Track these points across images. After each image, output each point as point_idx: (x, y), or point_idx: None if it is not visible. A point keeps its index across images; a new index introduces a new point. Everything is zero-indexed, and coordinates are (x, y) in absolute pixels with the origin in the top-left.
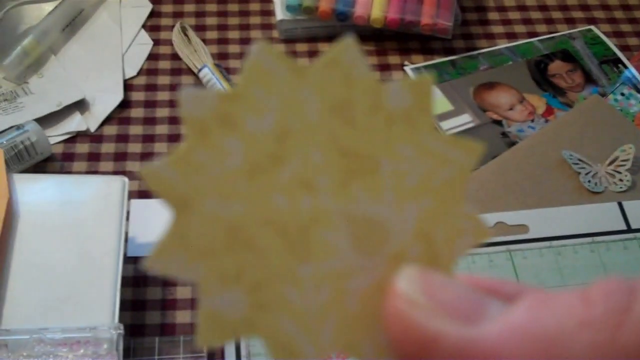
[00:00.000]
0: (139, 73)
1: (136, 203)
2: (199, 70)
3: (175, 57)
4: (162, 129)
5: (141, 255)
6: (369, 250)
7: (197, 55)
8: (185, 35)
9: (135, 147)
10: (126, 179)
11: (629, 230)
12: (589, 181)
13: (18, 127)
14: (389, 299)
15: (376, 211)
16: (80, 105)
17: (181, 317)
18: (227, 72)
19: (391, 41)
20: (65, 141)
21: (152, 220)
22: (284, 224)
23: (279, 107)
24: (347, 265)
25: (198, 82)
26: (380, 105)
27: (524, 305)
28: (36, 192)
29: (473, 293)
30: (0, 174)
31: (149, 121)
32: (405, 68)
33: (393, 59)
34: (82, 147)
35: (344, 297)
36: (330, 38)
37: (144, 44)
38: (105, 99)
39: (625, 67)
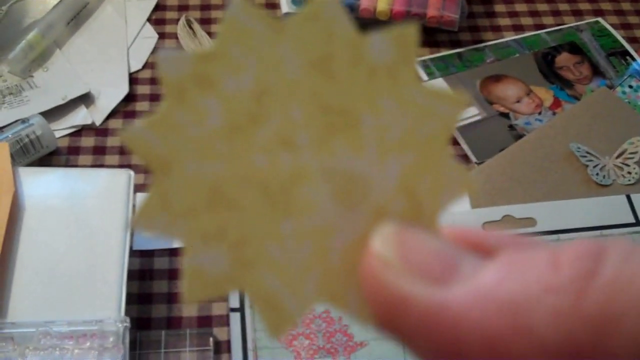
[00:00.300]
0: (144, 66)
1: (142, 196)
2: None
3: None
4: None
5: (147, 248)
6: (351, 206)
7: (202, 48)
8: (191, 28)
9: None
10: (132, 172)
11: (637, 223)
12: (597, 174)
13: (23, 120)
14: (364, 257)
15: (358, 166)
16: (85, 99)
17: (188, 310)
18: None
19: None
20: (70, 135)
21: None
22: (265, 181)
23: (257, 65)
24: (329, 221)
25: None
26: (361, 58)
27: (494, 266)
28: (42, 186)
29: (449, 250)
30: (6, 168)
31: None
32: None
33: None
34: (88, 141)
35: (326, 252)
36: None
37: (149, 37)
38: (111, 93)
39: (633, 59)
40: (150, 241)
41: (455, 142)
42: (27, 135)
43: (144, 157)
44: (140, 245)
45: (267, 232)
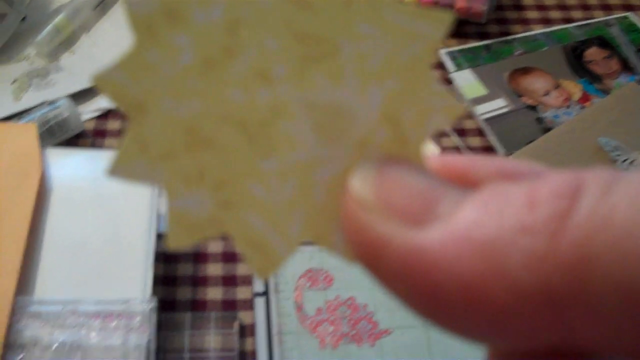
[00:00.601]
0: None
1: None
2: None
3: None
4: None
5: None
6: (333, 139)
7: None
8: None
9: None
10: None
11: None
12: (626, 168)
13: (50, 102)
14: (343, 199)
15: (338, 97)
16: None
17: (212, 293)
18: None
19: None
20: (96, 118)
21: None
22: (242, 118)
23: None
24: (311, 155)
25: None
26: None
27: (472, 204)
28: (69, 167)
29: (430, 186)
30: (34, 149)
31: None
32: (438, 52)
33: None
34: (113, 124)
35: (310, 188)
36: None
37: None
38: None
39: None
40: None
41: (481, 133)
42: (54, 117)
43: (117, 100)
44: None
45: (248, 170)
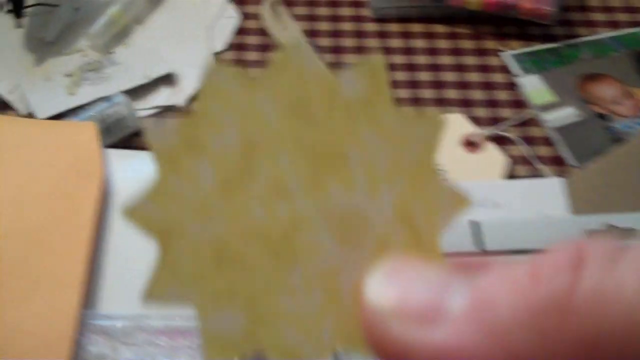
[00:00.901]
0: (228, 48)
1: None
2: None
3: (263, 32)
4: None
5: None
6: (353, 243)
7: (287, 33)
8: (276, 11)
9: None
10: None
11: None
12: None
13: (107, 99)
14: (360, 309)
15: (353, 203)
16: (166, 79)
17: None
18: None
19: (487, 25)
20: (153, 115)
21: None
22: (266, 234)
23: (239, 121)
24: (334, 262)
25: None
26: (336, 97)
27: (474, 289)
28: (131, 169)
29: (440, 283)
30: (94, 150)
31: None
32: (501, 54)
33: (489, 44)
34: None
35: (337, 294)
36: (423, 19)
37: (231, 17)
38: (193, 74)
39: None
40: None
41: (549, 143)
42: (112, 115)
43: (147, 229)
44: None
45: (276, 284)
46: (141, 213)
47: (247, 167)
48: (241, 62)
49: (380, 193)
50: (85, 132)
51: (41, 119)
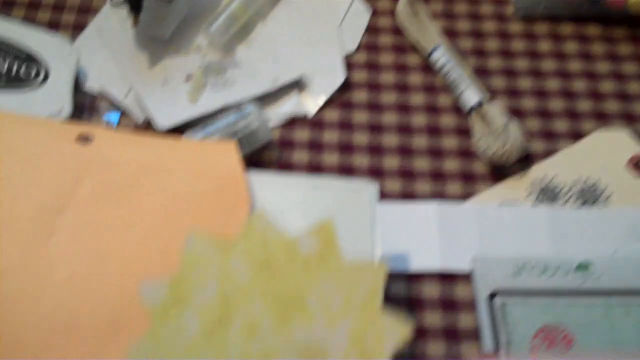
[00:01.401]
0: (358, 48)
1: (384, 208)
2: (430, 53)
3: (396, 30)
4: (390, 118)
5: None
6: None
7: (426, 33)
8: (413, 7)
9: (361, 138)
10: (376, 185)
11: None
12: None
13: (238, 108)
14: None
15: (314, 335)
16: (295, 85)
17: (433, 347)
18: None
19: None
20: (281, 126)
21: (405, 228)
22: None
23: (216, 279)
24: None
25: (427, 63)
26: (295, 254)
27: None
28: (277, 196)
29: None
30: (238, 174)
31: (374, 107)
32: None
33: None
34: (302, 134)
35: None
36: (575, 19)
37: (361, 13)
38: (324, 79)
39: None
40: (398, 260)
41: None
42: (244, 128)
43: None
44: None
45: None
46: (138, 355)
47: (225, 314)
48: (373, 67)
49: (336, 326)
50: (225, 154)
51: (163, 130)
